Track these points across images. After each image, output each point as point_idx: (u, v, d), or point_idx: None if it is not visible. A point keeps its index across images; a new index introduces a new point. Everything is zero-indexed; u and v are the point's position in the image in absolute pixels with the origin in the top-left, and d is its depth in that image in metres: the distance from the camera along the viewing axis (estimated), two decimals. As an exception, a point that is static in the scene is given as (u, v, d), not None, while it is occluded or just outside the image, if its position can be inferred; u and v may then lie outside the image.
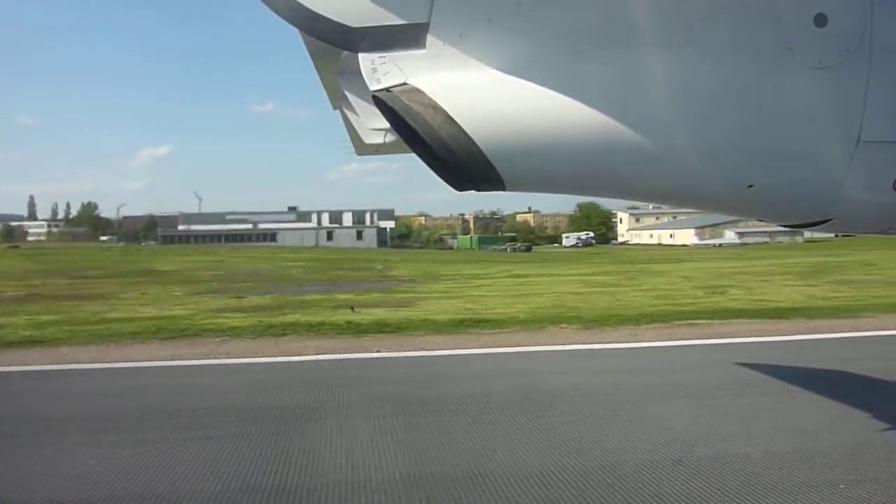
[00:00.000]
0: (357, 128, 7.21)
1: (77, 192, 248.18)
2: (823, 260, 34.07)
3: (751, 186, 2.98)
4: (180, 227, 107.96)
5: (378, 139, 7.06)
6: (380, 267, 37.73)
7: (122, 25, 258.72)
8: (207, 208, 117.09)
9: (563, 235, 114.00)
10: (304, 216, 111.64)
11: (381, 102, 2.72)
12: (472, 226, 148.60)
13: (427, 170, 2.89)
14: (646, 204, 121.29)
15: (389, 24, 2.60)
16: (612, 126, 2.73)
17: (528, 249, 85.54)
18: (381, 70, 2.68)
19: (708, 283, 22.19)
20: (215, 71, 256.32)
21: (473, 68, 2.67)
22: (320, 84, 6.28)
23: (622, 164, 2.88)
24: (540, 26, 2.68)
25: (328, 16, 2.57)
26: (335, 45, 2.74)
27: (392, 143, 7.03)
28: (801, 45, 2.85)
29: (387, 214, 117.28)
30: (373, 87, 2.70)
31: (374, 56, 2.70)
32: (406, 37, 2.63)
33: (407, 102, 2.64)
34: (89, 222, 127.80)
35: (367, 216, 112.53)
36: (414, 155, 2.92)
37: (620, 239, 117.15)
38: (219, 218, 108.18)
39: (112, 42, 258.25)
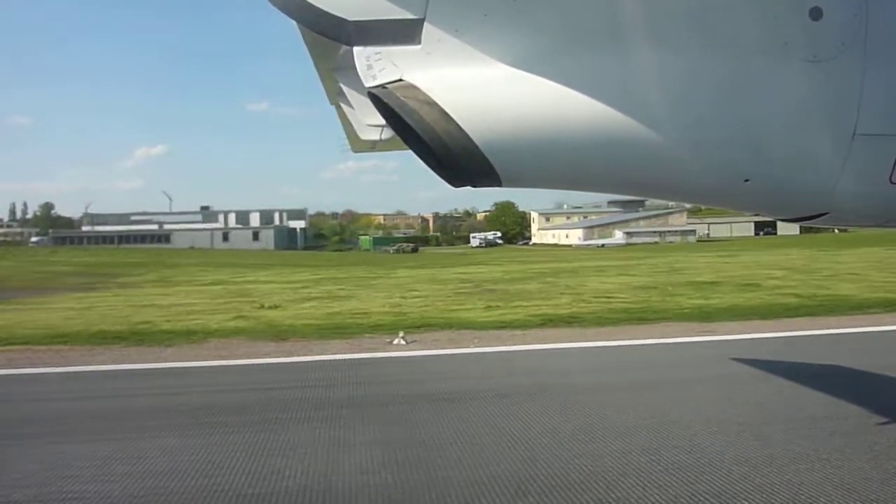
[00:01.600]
0: (354, 124, 7.20)
1: (69, 191, 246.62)
2: (680, 262, 33.13)
3: (747, 181, 2.99)
4: (84, 228, 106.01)
5: (374, 135, 7.04)
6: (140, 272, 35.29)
7: (117, 23, 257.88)
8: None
9: (471, 235, 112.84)
10: (211, 216, 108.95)
11: (377, 99, 2.72)
12: (431, 225, 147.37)
13: (424, 167, 2.89)
14: (560, 204, 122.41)
15: (385, 18, 2.60)
16: (607, 121, 2.73)
17: (415, 251, 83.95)
18: (377, 66, 2.68)
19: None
20: (210, 70, 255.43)
21: (469, 64, 2.67)
22: (317, 81, 6.27)
23: (618, 160, 2.88)
24: (535, 22, 2.68)
25: (325, 8, 2.57)
26: (331, 38, 2.73)
27: (388, 140, 7.02)
28: (796, 39, 2.85)
29: (297, 214, 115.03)
30: (368, 83, 2.70)
31: (370, 52, 2.70)
32: (401, 32, 2.62)
33: (402, 99, 2.63)
34: (45, 222, 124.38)
35: (276, 216, 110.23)
36: (410, 152, 2.92)
37: (535, 239, 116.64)
38: (124, 218, 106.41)
39: (109, 41, 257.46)
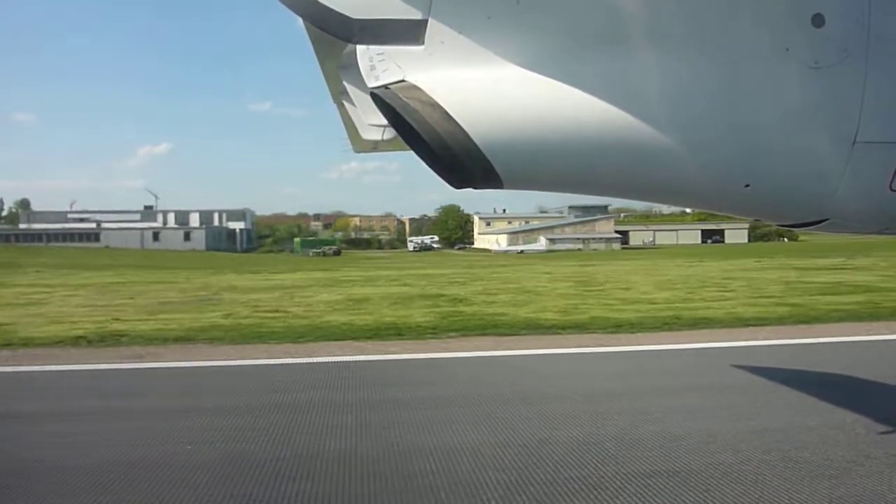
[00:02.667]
0: (356, 123, 7.20)
1: (74, 189, 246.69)
2: (586, 270, 33.01)
3: (747, 186, 2.99)
4: (21, 226, 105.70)
5: (376, 135, 7.05)
6: None
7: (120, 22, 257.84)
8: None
9: (409, 239, 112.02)
10: (151, 216, 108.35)
11: (380, 100, 2.72)
12: (407, 227, 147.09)
13: (426, 169, 2.90)
14: (501, 208, 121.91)
15: (389, 17, 2.61)
16: (609, 124, 2.74)
17: (337, 254, 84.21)
18: (380, 67, 2.69)
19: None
20: (213, 70, 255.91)
21: (472, 66, 2.67)
22: (319, 81, 6.28)
23: (619, 163, 2.88)
24: (539, 24, 2.69)
25: (330, 5, 2.57)
26: (335, 35, 2.74)
27: (389, 141, 7.03)
28: (798, 46, 2.86)
29: (237, 215, 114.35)
30: (371, 83, 2.71)
31: (373, 53, 2.70)
32: (405, 32, 2.63)
33: (405, 100, 2.64)
34: (14, 219, 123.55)
35: (216, 217, 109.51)
36: (412, 154, 2.93)
37: (477, 244, 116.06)
38: (62, 216, 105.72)
39: (113, 41, 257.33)
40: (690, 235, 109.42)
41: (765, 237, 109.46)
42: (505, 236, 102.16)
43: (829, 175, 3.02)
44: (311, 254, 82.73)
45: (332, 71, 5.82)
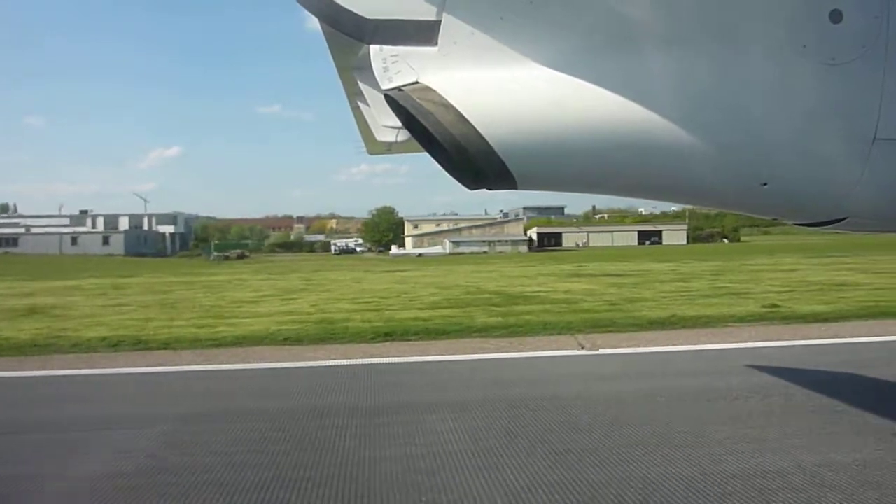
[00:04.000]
0: (371, 125, 7.23)
1: (87, 192, 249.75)
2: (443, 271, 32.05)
3: (764, 184, 2.97)
4: None
5: (390, 137, 7.08)
6: None
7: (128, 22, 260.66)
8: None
9: (332, 242, 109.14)
10: (81, 220, 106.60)
11: (393, 101, 2.73)
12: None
13: (438, 169, 2.90)
14: (433, 213, 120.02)
15: (403, 18, 2.62)
16: (624, 124, 2.73)
17: (241, 257, 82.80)
18: (393, 69, 2.69)
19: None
20: (223, 72, 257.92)
21: (485, 66, 2.67)
22: (334, 82, 6.32)
23: (634, 163, 2.87)
24: (552, 25, 2.68)
25: (345, 5, 2.59)
26: (349, 35, 2.76)
27: (403, 142, 7.05)
28: (815, 42, 2.83)
29: (167, 219, 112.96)
30: (385, 85, 2.71)
31: (387, 54, 2.71)
32: (418, 33, 2.64)
33: (419, 101, 2.65)
34: None
35: (145, 221, 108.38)
36: (422, 156, 2.93)
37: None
38: None
39: (123, 42, 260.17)
40: (627, 237, 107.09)
41: (704, 238, 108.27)
42: (410, 239, 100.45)
43: (848, 173, 2.98)
44: (212, 258, 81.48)
45: (347, 72, 5.85)
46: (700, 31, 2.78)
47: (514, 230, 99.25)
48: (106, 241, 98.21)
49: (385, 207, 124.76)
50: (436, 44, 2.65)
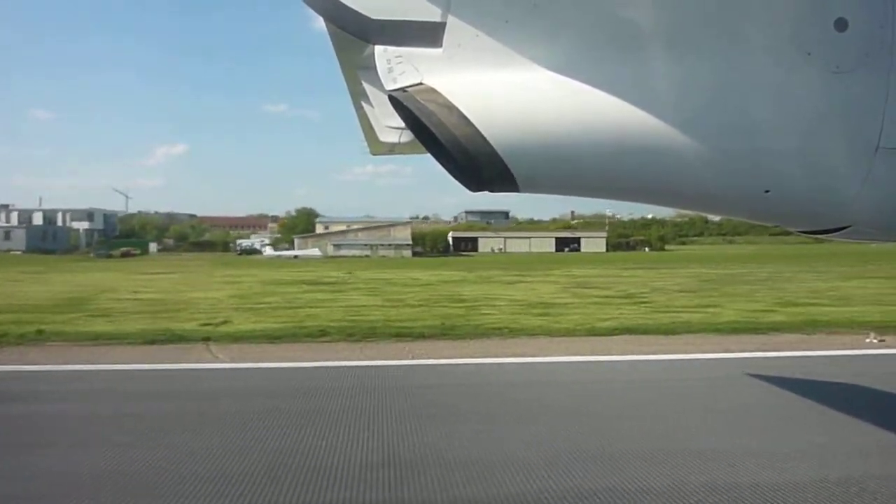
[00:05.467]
0: (374, 125, 7.23)
1: (96, 187, 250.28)
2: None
3: (767, 192, 2.96)
4: None
5: (393, 137, 7.07)
6: None
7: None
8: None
9: (237, 241, 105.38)
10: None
11: (397, 102, 2.73)
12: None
13: (442, 171, 2.90)
14: (345, 214, 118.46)
15: (407, 19, 2.62)
16: (627, 129, 2.73)
17: (127, 255, 79.98)
18: (398, 70, 2.69)
19: None
20: (231, 70, 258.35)
21: (490, 69, 2.67)
22: (339, 81, 6.31)
23: (638, 168, 2.87)
24: (557, 28, 2.68)
25: (349, 4, 2.60)
26: (354, 34, 2.76)
27: (406, 143, 7.04)
28: (820, 50, 2.83)
29: (80, 215, 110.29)
30: (389, 86, 2.71)
31: (391, 55, 2.71)
32: (423, 34, 2.64)
33: (422, 102, 2.65)
34: None
35: (59, 216, 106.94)
36: (427, 157, 2.93)
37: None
38: None
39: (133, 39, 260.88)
40: (544, 243, 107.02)
41: (622, 246, 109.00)
42: (296, 240, 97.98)
43: (851, 181, 2.98)
44: (93, 255, 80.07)
45: (352, 72, 5.85)
46: (705, 37, 2.77)
47: (401, 234, 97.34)
48: (7, 235, 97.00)
49: (304, 209, 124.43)
50: (440, 45, 2.65)
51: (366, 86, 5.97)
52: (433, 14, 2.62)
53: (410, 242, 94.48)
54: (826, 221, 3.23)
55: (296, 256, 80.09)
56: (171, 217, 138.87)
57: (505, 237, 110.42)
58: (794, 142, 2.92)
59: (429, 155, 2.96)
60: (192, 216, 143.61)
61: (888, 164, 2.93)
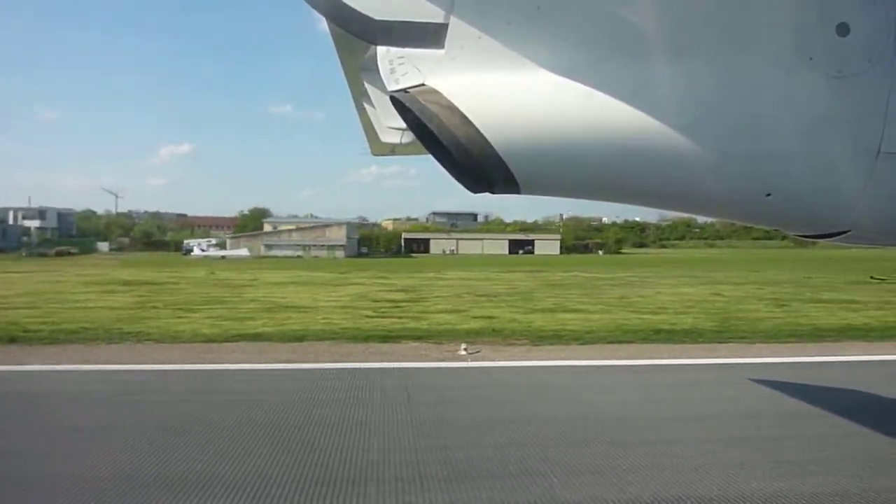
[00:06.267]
0: (375, 126, 7.23)
1: (92, 187, 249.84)
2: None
3: (769, 195, 2.96)
4: None
5: (394, 138, 7.07)
6: None
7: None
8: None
9: (185, 242, 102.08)
10: None
11: (399, 103, 2.73)
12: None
13: (444, 173, 2.90)
14: (293, 214, 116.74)
15: (410, 20, 2.62)
16: (629, 132, 2.73)
17: (61, 254, 78.06)
18: (400, 71, 2.70)
19: None
20: (236, 71, 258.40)
21: (491, 71, 2.68)
22: (342, 82, 6.31)
23: (638, 171, 2.87)
24: (559, 31, 2.68)
25: (352, 5, 2.60)
26: (357, 35, 2.76)
27: (408, 145, 7.04)
28: (822, 54, 2.83)
29: (32, 213, 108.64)
30: (391, 87, 2.72)
31: (393, 56, 2.71)
32: (425, 35, 2.64)
33: (424, 103, 2.65)
34: None
35: (10, 215, 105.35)
36: (430, 158, 2.93)
37: None
38: None
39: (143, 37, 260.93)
40: (498, 245, 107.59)
41: (579, 248, 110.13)
42: (228, 240, 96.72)
43: (852, 186, 2.98)
44: (24, 253, 78.51)
45: (354, 73, 5.85)
46: (707, 40, 2.78)
47: (336, 235, 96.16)
48: None
49: (256, 209, 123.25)
50: (443, 46, 2.65)
51: (368, 86, 5.97)
52: (436, 15, 2.62)
53: (344, 243, 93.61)
54: (827, 225, 3.23)
55: (223, 257, 78.96)
56: (157, 216, 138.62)
57: (457, 239, 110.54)
58: (795, 146, 2.92)
59: (430, 156, 2.95)
60: (182, 216, 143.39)
61: (889, 169, 2.93)
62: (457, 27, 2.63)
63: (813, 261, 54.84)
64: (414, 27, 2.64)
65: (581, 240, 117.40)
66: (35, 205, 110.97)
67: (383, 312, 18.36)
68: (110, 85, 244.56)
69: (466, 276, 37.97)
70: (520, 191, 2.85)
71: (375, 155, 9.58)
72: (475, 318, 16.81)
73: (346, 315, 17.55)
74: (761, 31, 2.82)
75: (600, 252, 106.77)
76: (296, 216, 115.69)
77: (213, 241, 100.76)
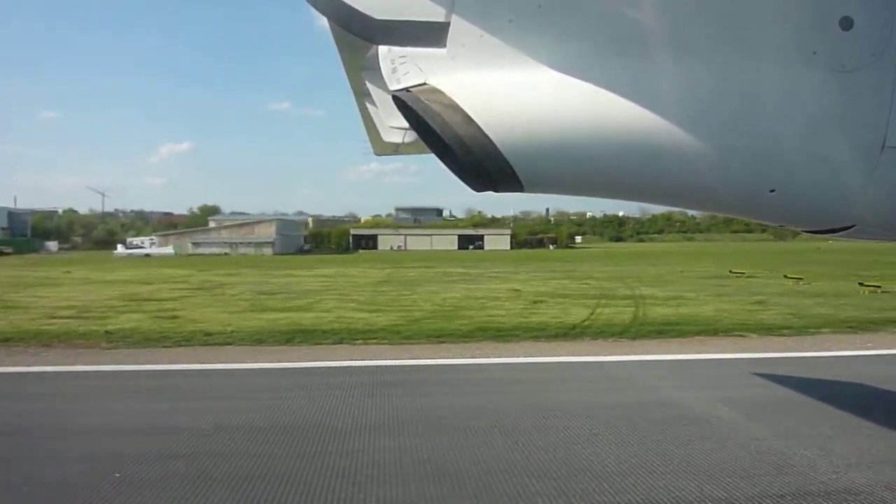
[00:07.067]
0: (378, 126, 7.24)
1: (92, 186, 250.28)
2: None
3: (772, 191, 2.95)
4: None
5: (397, 138, 7.08)
6: None
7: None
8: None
9: (127, 240, 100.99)
10: None
11: (401, 102, 2.73)
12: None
13: (446, 171, 2.90)
14: (231, 212, 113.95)
15: (411, 19, 2.62)
16: (632, 129, 2.72)
17: None
18: (402, 70, 2.70)
19: None
20: (236, 68, 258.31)
21: (493, 69, 2.67)
22: (342, 81, 6.32)
23: (641, 168, 2.86)
24: (560, 29, 2.68)
25: (353, 5, 2.60)
26: (358, 35, 2.76)
27: (410, 144, 7.04)
28: (825, 49, 2.82)
29: None
30: (393, 86, 2.72)
31: (395, 55, 2.71)
32: (427, 34, 2.64)
33: (426, 102, 2.65)
34: None
35: None
36: (432, 156, 2.93)
37: None
38: None
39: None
40: (447, 241, 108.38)
41: (530, 243, 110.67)
42: (156, 238, 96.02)
43: (856, 181, 2.97)
44: None
45: (356, 72, 5.85)
46: (710, 35, 2.77)
47: (265, 232, 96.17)
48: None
49: (205, 206, 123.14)
50: (444, 45, 2.65)
51: (370, 86, 5.98)
52: (437, 14, 2.62)
53: (272, 240, 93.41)
54: (831, 221, 3.22)
55: (147, 255, 78.80)
56: (142, 215, 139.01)
57: (405, 235, 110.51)
58: (799, 141, 2.91)
59: (433, 155, 2.96)
60: (168, 214, 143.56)
61: (894, 163, 2.92)
62: (458, 26, 2.63)
63: (782, 254, 56.44)
64: (415, 26, 2.63)
65: (535, 234, 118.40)
66: (24, 205, 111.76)
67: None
68: (109, 84, 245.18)
69: (323, 273, 40.46)
70: (523, 189, 2.85)
71: (378, 154, 9.59)
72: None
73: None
74: (765, 26, 2.81)
75: (551, 246, 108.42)
76: (247, 214, 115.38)
77: (156, 239, 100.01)
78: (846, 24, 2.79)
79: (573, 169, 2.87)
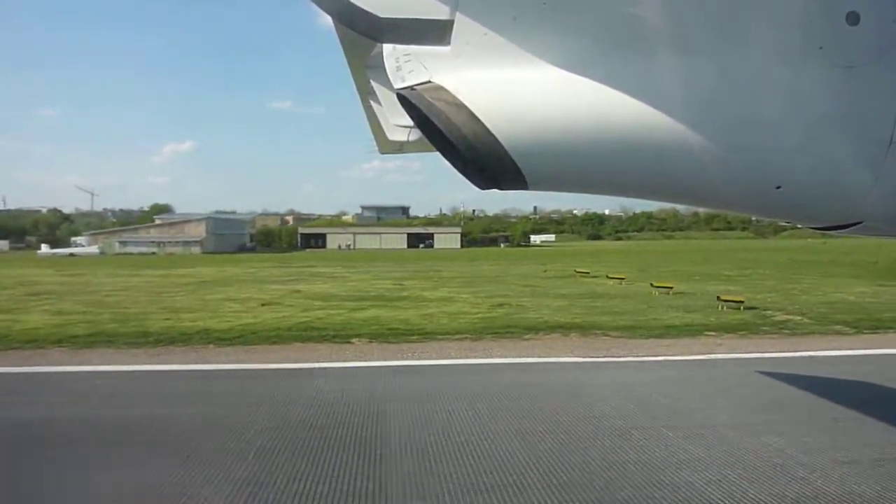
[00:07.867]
0: (382, 124, 7.24)
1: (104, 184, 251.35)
2: None
3: (779, 188, 2.94)
4: None
5: (402, 136, 7.08)
6: None
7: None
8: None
9: (72, 240, 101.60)
10: None
11: (406, 101, 2.73)
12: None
13: (449, 168, 2.90)
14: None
15: (415, 17, 2.62)
16: (636, 126, 2.71)
17: None
18: (406, 68, 2.70)
19: None
20: (237, 67, 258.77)
21: (498, 67, 2.67)
22: (347, 79, 6.32)
23: (646, 165, 2.85)
24: (565, 25, 2.67)
25: (357, 3, 2.60)
26: (362, 33, 2.76)
27: (415, 142, 7.05)
28: (832, 44, 2.80)
29: None
30: (397, 84, 2.72)
31: (399, 53, 2.72)
32: (431, 32, 2.64)
33: (431, 100, 2.65)
34: None
35: None
36: (435, 154, 2.93)
37: None
38: None
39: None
40: (397, 240, 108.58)
41: (484, 242, 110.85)
42: (85, 236, 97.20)
43: (863, 177, 2.95)
44: None
45: (360, 70, 5.86)
46: (714, 32, 2.75)
47: (194, 231, 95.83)
48: None
49: (156, 205, 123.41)
50: (448, 43, 2.65)
51: (374, 84, 5.98)
52: (441, 12, 2.62)
53: (200, 239, 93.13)
54: (838, 217, 3.20)
55: (72, 254, 78.57)
56: (128, 214, 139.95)
57: (354, 234, 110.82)
58: (805, 137, 2.89)
59: (438, 153, 2.95)
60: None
61: None
62: (462, 24, 2.63)
63: (729, 252, 56.60)
64: (419, 24, 2.64)
65: (487, 232, 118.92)
66: (20, 204, 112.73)
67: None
68: (107, 83, 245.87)
69: (190, 272, 41.12)
70: (528, 186, 2.85)
71: (383, 153, 9.60)
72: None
73: None
74: (770, 21, 2.79)
75: (502, 245, 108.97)
76: (199, 213, 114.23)
77: (86, 238, 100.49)
78: (853, 19, 2.78)
79: (578, 166, 2.86)
